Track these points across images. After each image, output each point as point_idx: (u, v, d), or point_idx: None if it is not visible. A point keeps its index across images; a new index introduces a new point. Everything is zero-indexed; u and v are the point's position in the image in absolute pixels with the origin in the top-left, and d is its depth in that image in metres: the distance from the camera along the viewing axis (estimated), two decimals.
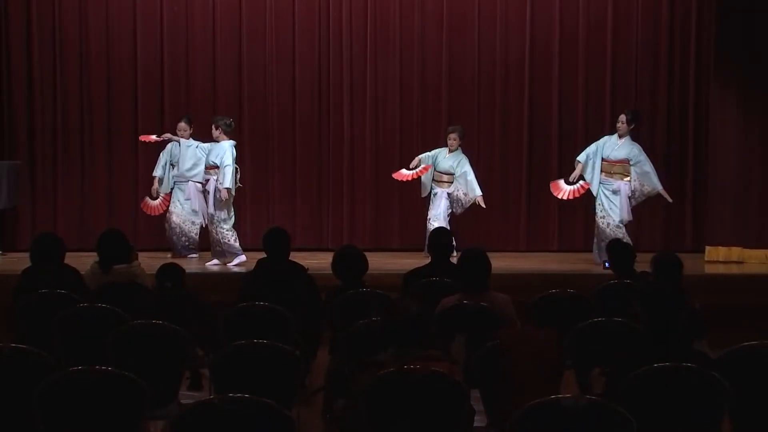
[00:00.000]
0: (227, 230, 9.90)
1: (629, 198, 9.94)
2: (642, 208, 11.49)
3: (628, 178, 9.92)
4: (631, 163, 9.93)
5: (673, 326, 4.38)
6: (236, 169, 9.89)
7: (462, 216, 10.86)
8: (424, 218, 10.48)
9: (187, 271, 6.49)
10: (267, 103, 11.57)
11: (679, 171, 11.58)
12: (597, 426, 3.85)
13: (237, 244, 9.92)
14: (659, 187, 9.99)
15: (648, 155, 11.39)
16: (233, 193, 9.95)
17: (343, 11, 11.53)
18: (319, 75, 11.60)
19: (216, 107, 11.42)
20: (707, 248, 10.46)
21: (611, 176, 9.98)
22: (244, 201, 10.88)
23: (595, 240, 10.08)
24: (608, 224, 9.91)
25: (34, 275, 6.46)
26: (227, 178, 9.75)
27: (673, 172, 11.56)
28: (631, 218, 10.04)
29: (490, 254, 6.06)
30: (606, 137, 10.18)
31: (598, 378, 4.86)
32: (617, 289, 6.45)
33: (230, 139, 9.96)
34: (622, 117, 10.05)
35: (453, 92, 11.62)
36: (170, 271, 6.19)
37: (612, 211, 9.90)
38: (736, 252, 10.35)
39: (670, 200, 10.24)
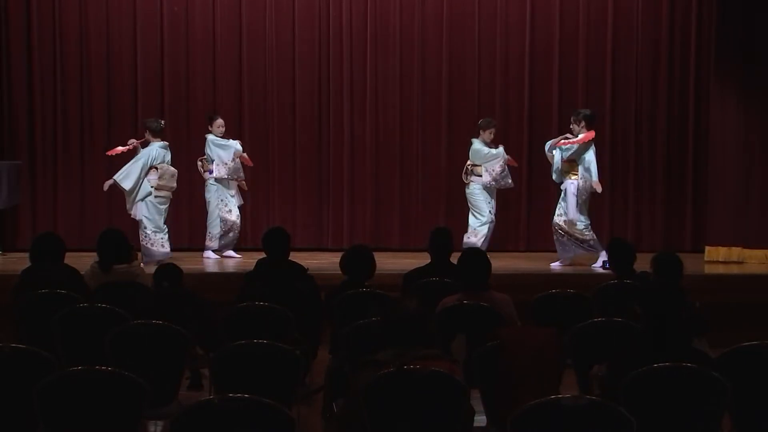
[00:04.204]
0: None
1: (575, 196, 9.87)
2: (642, 208, 11.54)
3: (576, 177, 9.87)
4: (578, 161, 9.88)
5: (673, 326, 4.38)
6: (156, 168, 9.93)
7: (461, 216, 10.86)
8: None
9: (187, 270, 6.50)
10: (267, 103, 11.57)
11: (679, 171, 11.59)
12: (597, 426, 3.85)
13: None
14: (594, 179, 9.79)
15: (649, 156, 11.46)
16: (134, 190, 9.89)
17: (343, 11, 11.54)
18: (319, 75, 11.60)
19: (216, 107, 11.43)
20: (707, 248, 10.46)
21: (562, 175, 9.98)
22: (245, 201, 10.87)
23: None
24: (563, 221, 9.92)
25: (34, 275, 6.46)
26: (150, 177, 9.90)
27: (673, 172, 11.58)
28: (577, 217, 9.84)
29: (490, 254, 6.06)
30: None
31: (598, 378, 4.86)
32: (617, 289, 6.46)
33: (160, 140, 10.02)
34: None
35: (453, 92, 11.62)
36: (168, 271, 6.18)
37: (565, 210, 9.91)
38: (736, 252, 10.34)
39: (599, 191, 9.95)
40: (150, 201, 9.93)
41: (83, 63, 11.42)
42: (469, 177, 10.41)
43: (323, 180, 11.62)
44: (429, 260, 6.99)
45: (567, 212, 9.86)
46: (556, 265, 9.91)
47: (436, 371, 4.14)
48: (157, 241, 9.91)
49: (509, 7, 11.60)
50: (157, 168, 9.94)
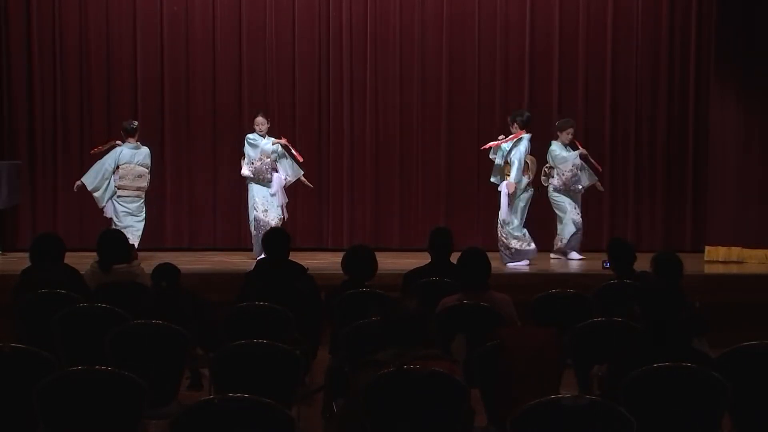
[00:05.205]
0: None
1: (507, 196, 9.80)
2: (642, 208, 11.54)
3: (509, 177, 9.81)
4: (509, 162, 9.84)
5: (673, 326, 4.38)
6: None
7: (461, 216, 10.84)
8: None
9: (187, 270, 6.49)
10: (267, 103, 11.54)
11: (679, 171, 11.59)
12: (597, 426, 3.85)
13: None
14: (511, 180, 9.69)
15: (649, 156, 11.41)
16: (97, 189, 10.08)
17: (343, 11, 11.53)
18: (319, 75, 11.60)
19: (216, 107, 11.43)
20: (707, 248, 10.46)
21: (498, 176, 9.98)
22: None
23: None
24: (499, 223, 9.91)
25: (33, 275, 6.46)
26: None
27: (673, 172, 11.57)
28: (507, 218, 9.77)
29: (490, 254, 6.06)
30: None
31: (598, 378, 4.86)
32: (617, 289, 6.46)
33: (133, 140, 10.15)
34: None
35: (453, 92, 11.61)
36: (165, 271, 6.18)
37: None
38: (736, 252, 10.34)
39: (509, 191, 9.74)
40: (114, 200, 10.09)
41: (83, 63, 11.42)
42: (548, 180, 10.35)
43: (323, 180, 11.60)
44: (429, 260, 6.99)
45: (500, 213, 9.82)
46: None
47: (436, 371, 4.14)
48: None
49: (509, 7, 11.59)
50: (119, 167, 10.04)
